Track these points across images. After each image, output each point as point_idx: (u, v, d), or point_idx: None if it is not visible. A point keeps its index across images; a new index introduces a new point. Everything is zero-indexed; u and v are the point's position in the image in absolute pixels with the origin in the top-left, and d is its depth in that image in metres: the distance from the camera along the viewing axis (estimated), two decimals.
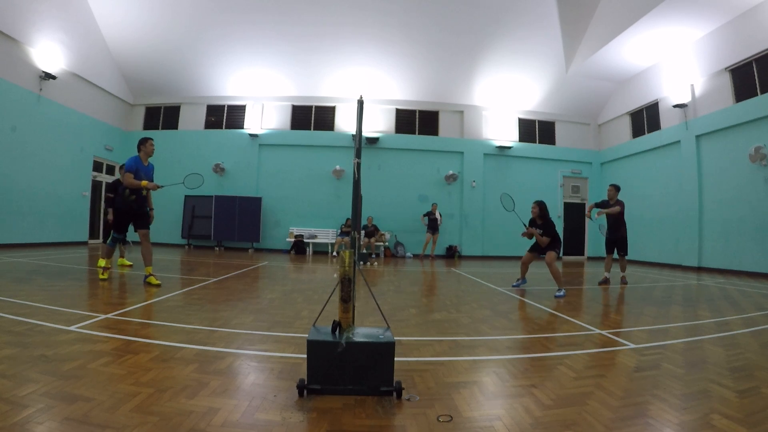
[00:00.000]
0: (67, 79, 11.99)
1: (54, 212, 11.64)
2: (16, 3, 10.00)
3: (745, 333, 3.80)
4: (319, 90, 14.80)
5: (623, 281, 7.57)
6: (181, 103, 15.35)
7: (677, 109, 12.03)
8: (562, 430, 1.82)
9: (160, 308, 4.23)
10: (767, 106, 9.61)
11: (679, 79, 12.03)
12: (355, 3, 12.51)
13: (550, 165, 15.47)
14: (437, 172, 14.85)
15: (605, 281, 7.40)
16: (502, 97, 15.00)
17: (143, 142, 5.69)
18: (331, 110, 15.13)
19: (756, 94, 9.93)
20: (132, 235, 6.13)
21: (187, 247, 14.07)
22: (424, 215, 13.27)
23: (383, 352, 2.17)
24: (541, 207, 6.27)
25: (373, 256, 13.14)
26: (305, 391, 2.12)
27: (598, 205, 7.65)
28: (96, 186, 13.50)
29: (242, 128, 14.96)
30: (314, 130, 15.02)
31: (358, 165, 2.54)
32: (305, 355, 2.22)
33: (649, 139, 13.47)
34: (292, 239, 13.84)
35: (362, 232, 12.72)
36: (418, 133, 15.23)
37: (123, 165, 5.87)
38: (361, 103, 2.77)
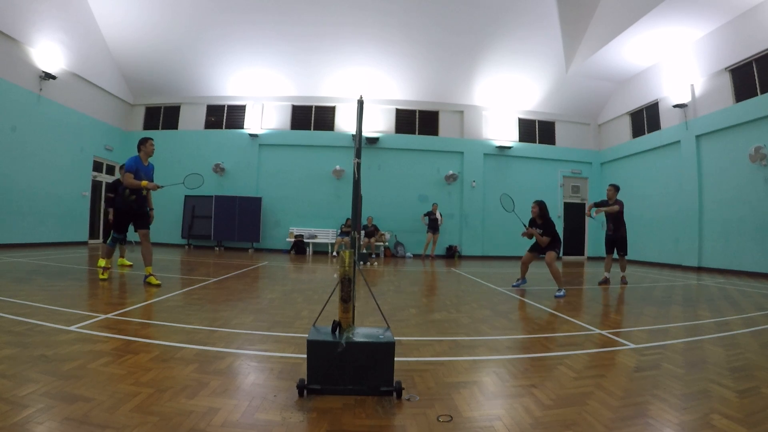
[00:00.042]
0: (67, 79, 12.00)
1: (54, 212, 11.64)
2: (16, 3, 10.00)
3: (745, 333, 3.80)
4: (319, 90, 14.80)
5: (623, 281, 7.57)
6: (181, 103, 15.35)
7: (677, 109, 12.03)
8: (562, 430, 1.82)
9: (160, 308, 4.23)
10: (767, 106, 9.61)
11: (679, 79, 12.03)
12: (355, 3, 12.51)
13: (550, 165, 15.47)
14: (437, 172, 14.85)
15: (605, 281, 7.41)
16: (502, 97, 15.00)
17: (143, 142, 5.69)
18: (331, 110, 15.13)
19: (756, 94, 9.93)
20: (132, 235, 6.14)
21: (187, 247, 14.07)
22: (425, 215, 13.27)
23: (383, 352, 2.17)
24: (540, 207, 6.27)
25: (373, 256, 13.14)
26: (305, 391, 2.11)
27: (597, 205, 7.66)
28: (96, 186, 13.50)
29: (242, 128, 14.96)
30: (314, 130, 15.02)
31: (358, 165, 2.54)
32: (305, 355, 2.22)
33: (649, 139, 13.47)
34: (292, 239, 13.84)
35: (362, 232, 12.73)
36: (418, 133, 15.23)
37: (123, 165, 5.87)
38: (361, 103, 2.77)
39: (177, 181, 6.36)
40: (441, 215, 13.40)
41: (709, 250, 11.12)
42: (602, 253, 8.41)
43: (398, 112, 15.21)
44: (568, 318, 4.41)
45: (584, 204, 15.32)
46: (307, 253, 13.64)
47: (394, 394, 2.13)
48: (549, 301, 5.43)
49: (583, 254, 15.62)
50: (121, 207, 5.67)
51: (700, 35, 11.00)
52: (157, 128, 15.23)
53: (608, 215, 7.53)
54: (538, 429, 1.83)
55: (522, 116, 15.59)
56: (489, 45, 13.47)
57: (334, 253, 13.28)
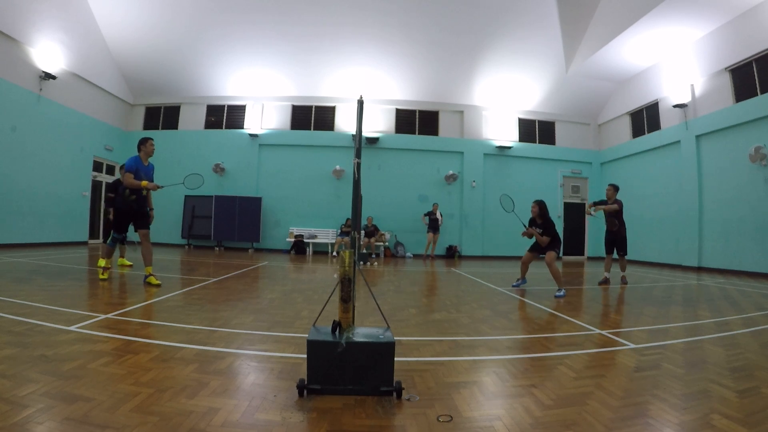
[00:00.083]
0: (67, 79, 12.00)
1: (54, 212, 11.64)
2: (16, 3, 10.00)
3: (745, 333, 3.80)
4: (319, 90, 14.80)
5: (623, 281, 7.58)
6: (181, 103, 15.35)
7: (677, 109, 12.03)
8: (562, 430, 1.82)
9: (160, 308, 4.23)
10: (767, 106, 9.61)
11: (679, 79, 12.03)
12: (355, 3, 12.51)
13: (550, 165, 15.47)
14: (437, 172, 14.85)
15: (605, 281, 7.41)
16: (502, 97, 15.00)
17: (143, 142, 5.69)
18: (331, 110, 15.13)
19: (756, 94, 9.93)
20: (132, 235, 6.14)
21: (187, 247, 14.07)
22: (425, 215, 13.27)
23: (383, 352, 2.17)
24: (540, 206, 6.27)
25: (373, 256, 13.14)
26: (305, 391, 2.11)
27: (596, 204, 7.69)
28: (96, 186, 13.50)
29: (242, 128, 14.96)
30: (314, 130, 15.02)
31: (358, 165, 2.54)
32: (305, 355, 2.22)
33: (649, 139, 13.47)
34: (292, 239, 13.84)
35: (362, 232, 12.72)
36: (418, 133, 15.23)
37: (123, 165, 5.87)
38: (361, 103, 2.77)
39: (177, 182, 6.36)
40: (441, 215, 13.40)
41: (709, 250, 11.12)
42: (602, 253, 8.42)
43: (398, 112, 15.21)
44: (568, 318, 4.41)
45: (584, 204, 15.33)
46: (307, 253, 13.64)
47: (394, 394, 2.13)
48: (549, 301, 5.43)
49: (583, 254, 15.62)
50: (121, 207, 5.67)
51: (700, 35, 11.00)
52: (157, 128, 15.23)
53: (606, 214, 7.55)
54: (538, 429, 1.83)
55: (522, 116, 15.59)
56: (489, 45, 13.47)
57: (334, 253, 13.28)
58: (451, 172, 14.66)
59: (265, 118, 15.01)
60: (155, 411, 1.86)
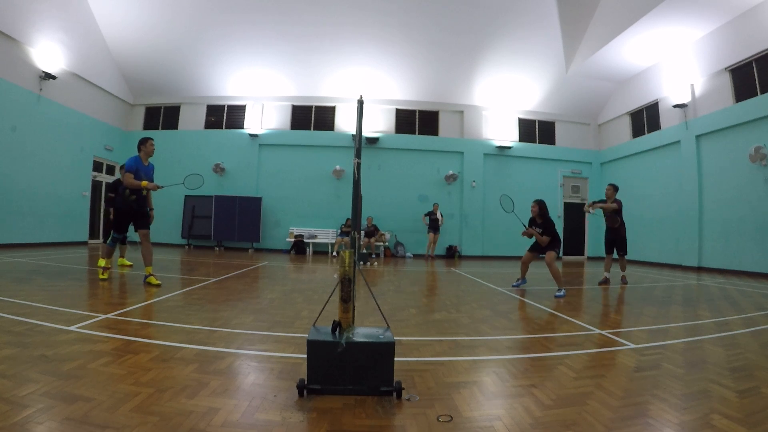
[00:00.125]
0: (67, 79, 12.00)
1: (54, 212, 11.64)
2: (16, 3, 10.00)
3: (745, 333, 3.80)
4: (319, 90, 14.80)
5: (623, 281, 7.57)
6: (181, 103, 15.35)
7: (677, 109, 12.03)
8: (562, 430, 1.82)
9: (160, 308, 4.23)
10: (767, 106, 9.61)
11: (679, 79, 12.03)
12: (355, 3, 12.51)
13: (550, 165, 15.47)
14: (437, 172, 14.85)
15: (605, 281, 7.41)
16: (502, 97, 15.00)
17: (143, 142, 5.69)
18: (331, 110, 15.13)
19: (756, 94, 9.93)
20: (132, 235, 6.14)
21: (187, 247, 14.07)
22: (426, 215, 13.26)
23: (383, 352, 2.17)
24: (540, 206, 6.27)
25: (373, 256, 13.14)
26: (305, 391, 2.11)
27: (595, 203, 7.71)
28: (96, 186, 13.50)
29: (242, 128, 14.96)
30: (314, 130, 15.02)
31: (358, 165, 2.54)
32: (305, 355, 2.22)
33: (649, 139, 13.47)
34: (292, 239, 13.84)
35: (362, 232, 12.72)
36: (418, 133, 15.23)
37: (123, 165, 5.87)
38: (361, 103, 2.77)
39: (177, 182, 6.36)
40: (442, 215, 13.40)
41: (709, 250, 11.12)
42: (602, 253, 8.42)
43: (398, 112, 15.21)
44: (568, 318, 4.41)
45: (584, 204, 15.33)
46: (307, 253, 13.64)
47: (394, 394, 2.13)
48: (549, 301, 5.43)
49: (583, 254, 15.62)
50: (121, 207, 5.68)
51: (700, 35, 11.00)
52: (157, 128, 15.23)
53: (605, 213, 7.55)
54: (538, 429, 1.83)
55: (522, 116, 15.59)
56: (489, 45, 13.47)
57: (334, 253, 13.28)
58: (451, 172, 14.66)
59: (265, 118, 15.01)
60: (155, 411, 1.86)
